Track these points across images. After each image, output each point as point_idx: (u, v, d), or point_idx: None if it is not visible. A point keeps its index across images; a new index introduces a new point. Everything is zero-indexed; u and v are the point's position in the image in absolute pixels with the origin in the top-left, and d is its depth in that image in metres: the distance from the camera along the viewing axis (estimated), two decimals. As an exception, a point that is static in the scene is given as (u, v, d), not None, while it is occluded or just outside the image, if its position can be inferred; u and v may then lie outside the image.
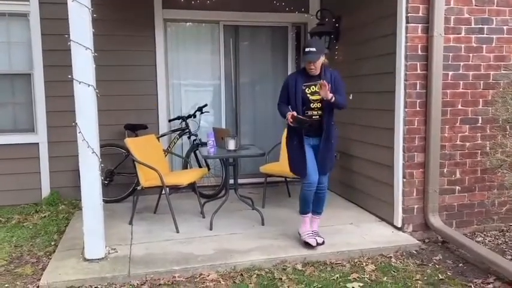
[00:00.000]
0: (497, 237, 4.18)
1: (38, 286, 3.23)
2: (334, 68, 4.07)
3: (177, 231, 4.17)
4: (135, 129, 5.29)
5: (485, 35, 4.11)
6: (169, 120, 5.66)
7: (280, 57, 6.23)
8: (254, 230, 4.24)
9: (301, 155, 3.73)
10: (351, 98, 4.88)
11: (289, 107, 3.74)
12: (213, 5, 5.54)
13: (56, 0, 4.81)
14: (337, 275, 3.36)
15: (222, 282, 3.27)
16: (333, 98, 3.56)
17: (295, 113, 3.62)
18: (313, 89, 3.71)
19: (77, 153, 3.42)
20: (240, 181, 4.83)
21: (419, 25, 3.96)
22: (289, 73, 5.92)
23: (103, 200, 3.58)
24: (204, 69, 5.99)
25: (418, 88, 4.02)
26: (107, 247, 3.65)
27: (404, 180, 4.09)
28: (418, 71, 4.00)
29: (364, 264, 3.58)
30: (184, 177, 4.48)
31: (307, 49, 3.63)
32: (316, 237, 3.83)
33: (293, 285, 3.22)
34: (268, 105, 6.12)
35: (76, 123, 3.38)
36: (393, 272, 3.44)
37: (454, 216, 4.22)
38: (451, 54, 4.04)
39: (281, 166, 4.78)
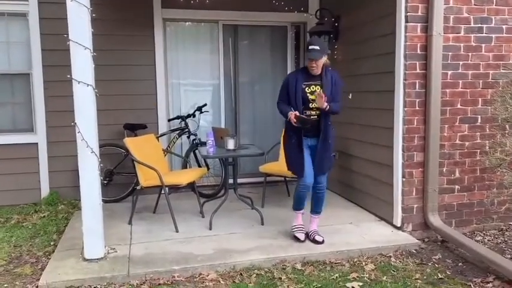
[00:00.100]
0: (496, 236, 4.19)
1: (37, 286, 3.22)
2: (333, 67, 4.07)
3: (177, 231, 4.16)
4: (134, 128, 5.28)
5: (484, 34, 4.11)
6: (169, 120, 5.66)
7: (279, 56, 6.22)
8: (253, 229, 4.24)
9: (299, 154, 3.74)
10: (350, 97, 4.90)
11: (290, 107, 3.75)
12: (212, 5, 5.54)
13: (55, 0, 4.81)
14: (337, 275, 3.36)
15: (222, 282, 3.27)
16: (327, 107, 3.59)
17: (297, 113, 3.63)
18: (313, 88, 3.71)
19: (76, 153, 3.41)
20: (239, 181, 4.84)
21: (419, 24, 3.96)
22: (288, 72, 5.93)
23: (102, 199, 3.58)
24: (203, 68, 5.99)
25: (417, 87, 4.02)
26: (106, 247, 3.65)
27: (404, 179, 4.09)
28: (418, 70, 4.01)
29: (363, 263, 3.58)
30: (184, 177, 4.48)
31: (310, 47, 3.64)
32: (316, 236, 3.85)
33: (292, 285, 3.22)
34: (267, 104, 6.12)
35: (75, 123, 3.37)
36: (393, 272, 3.44)
37: (454, 216, 4.23)
38: (450, 53, 4.04)
39: (280, 166, 4.77)
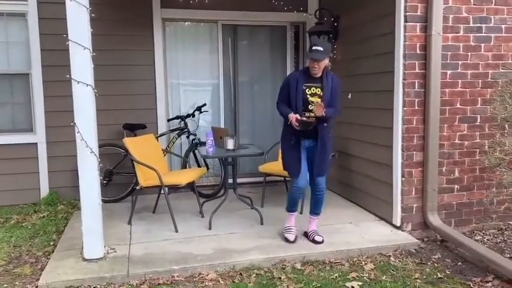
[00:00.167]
0: (495, 235, 4.19)
1: (37, 286, 3.22)
2: (333, 67, 4.07)
3: (176, 231, 4.16)
4: (133, 128, 5.28)
5: (483, 34, 4.11)
6: (168, 120, 5.66)
7: (278, 56, 6.22)
8: (253, 229, 4.24)
9: (296, 155, 3.75)
10: (349, 97, 4.90)
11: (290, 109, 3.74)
12: (211, 5, 5.53)
13: (54, 0, 4.81)
14: (336, 274, 3.36)
15: (221, 282, 3.27)
16: (324, 115, 3.58)
17: (298, 116, 3.63)
18: (313, 90, 3.71)
19: (76, 153, 3.41)
20: (239, 180, 4.84)
21: (418, 24, 3.96)
22: (288, 72, 5.94)
23: (102, 199, 3.58)
24: (202, 68, 5.98)
25: (416, 87, 4.02)
26: (105, 247, 3.65)
27: (403, 179, 4.10)
28: (417, 70, 4.01)
29: (363, 263, 3.58)
30: (183, 177, 4.48)
31: (314, 47, 3.64)
32: (315, 236, 3.85)
33: (292, 285, 3.22)
34: (267, 104, 6.12)
35: (74, 123, 3.37)
36: (392, 271, 3.45)
37: (453, 215, 4.23)
38: (449, 53, 4.05)
39: (280, 165, 4.75)
